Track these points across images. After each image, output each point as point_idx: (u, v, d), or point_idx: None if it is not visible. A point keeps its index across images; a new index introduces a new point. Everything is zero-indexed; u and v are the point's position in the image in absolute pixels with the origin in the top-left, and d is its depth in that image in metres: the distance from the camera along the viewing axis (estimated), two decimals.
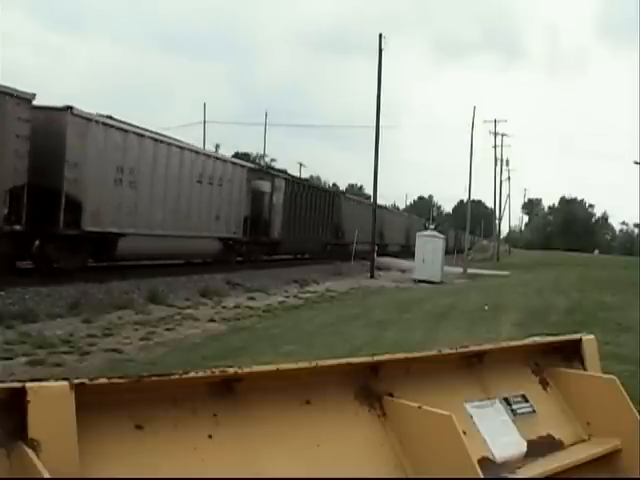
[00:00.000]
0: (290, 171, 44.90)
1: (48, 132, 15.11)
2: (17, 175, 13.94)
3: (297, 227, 30.55)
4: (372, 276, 28.58)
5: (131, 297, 14.55)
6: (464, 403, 2.36)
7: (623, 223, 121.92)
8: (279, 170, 39.50)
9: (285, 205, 29.09)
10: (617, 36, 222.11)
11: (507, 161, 67.29)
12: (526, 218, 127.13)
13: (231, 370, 1.78)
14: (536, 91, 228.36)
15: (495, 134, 57.48)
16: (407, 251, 43.55)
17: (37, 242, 15.77)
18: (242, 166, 25.91)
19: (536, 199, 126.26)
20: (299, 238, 30.95)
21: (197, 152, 22.97)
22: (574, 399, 2.66)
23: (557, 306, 14.40)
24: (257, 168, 27.42)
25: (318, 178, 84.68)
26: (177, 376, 1.68)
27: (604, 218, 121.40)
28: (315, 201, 33.40)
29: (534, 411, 2.55)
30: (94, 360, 8.57)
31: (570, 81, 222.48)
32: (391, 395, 2.15)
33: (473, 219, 48.63)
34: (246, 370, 1.81)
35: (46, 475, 1.32)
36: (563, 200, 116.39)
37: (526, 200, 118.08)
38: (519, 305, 14.66)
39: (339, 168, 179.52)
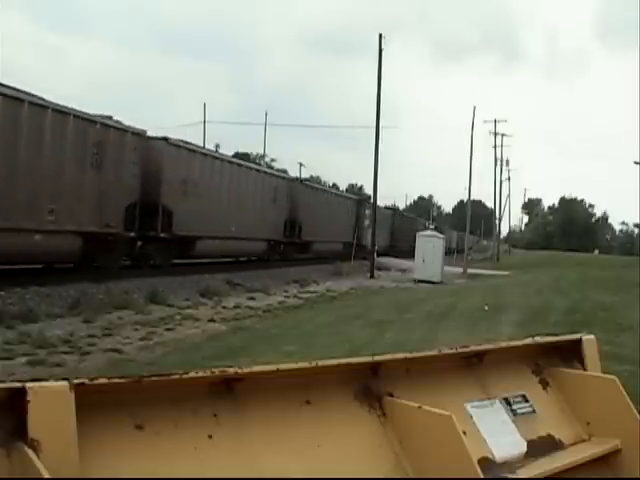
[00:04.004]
0: (290, 171, 44.94)
1: (149, 157, 18.67)
2: (132, 193, 18.10)
3: None
4: (372, 276, 28.60)
5: (131, 297, 14.55)
6: (464, 403, 2.35)
7: (623, 223, 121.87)
8: (279, 170, 39.49)
9: None
10: (617, 36, 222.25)
11: (507, 161, 67.40)
12: (526, 218, 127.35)
13: (231, 370, 1.78)
14: (536, 91, 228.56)
15: (495, 134, 57.52)
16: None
17: (139, 243, 19.56)
18: None
19: (536, 199, 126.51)
20: None
21: None
22: (574, 399, 2.66)
23: (557, 306, 14.41)
24: None
25: (318, 178, 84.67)
26: (177, 376, 1.67)
27: (604, 218, 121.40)
28: None
29: (534, 411, 2.55)
30: (94, 360, 8.58)
31: (570, 81, 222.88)
32: (391, 395, 2.14)
33: (473, 219, 48.61)
34: (246, 370, 1.81)
35: (46, 475, 1.32)
36: (563, 200, 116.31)
37: (526, 200, 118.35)
38: (519, 305, 14.66)
39: (340, 168, 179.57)
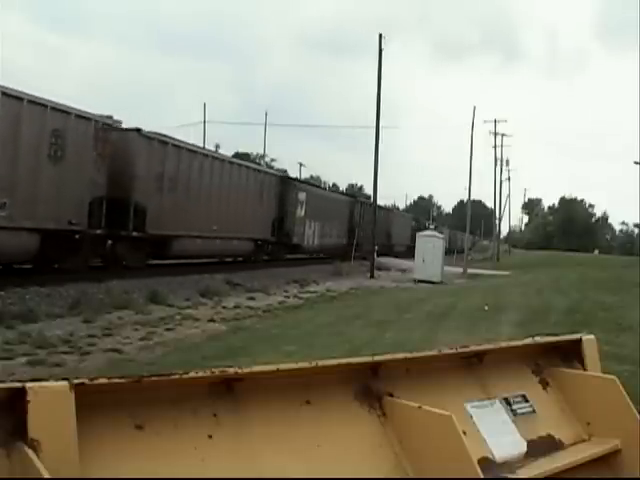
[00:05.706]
0: (290, 171, 44.54)
1: None
2: None
3: None
4: (372, 276, 28.57)
5: (131, 297, 14.54)
6: (464, 403, 2.35)
7: (623, 223, 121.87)
8: (279, 170, 39.12)
9: None
10: (616, 36, 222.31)
11: (507, 161, 67.41)
12: (526, 218, 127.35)
13: (231, 370, 1.78)
14: (536, 91, 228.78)
15: (495, 134, 57.51)
16: None
17: None
18: None
19: (536, 199, 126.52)
20: None
21: None
22: (574, 399, 2.66)
23: (557, 306, 14.39)
24: None
25: (318, 178, 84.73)
26: (177, 376, 1.67)
27: (604, 218, 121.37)
28: None
29: (534, 411, 2.55)
30: (94, 360, 8.57)
31: (570, 81, 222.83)
32: (391, 395, 2.14)
33: (473, 219, 48.59)
34: (246, 370, 1.81)
35: (46, 475, 1.32)
36: (563, 200, 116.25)
37: (526, 200, 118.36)
38: (519, 305, 14.65)
39: (340, 168, 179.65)
